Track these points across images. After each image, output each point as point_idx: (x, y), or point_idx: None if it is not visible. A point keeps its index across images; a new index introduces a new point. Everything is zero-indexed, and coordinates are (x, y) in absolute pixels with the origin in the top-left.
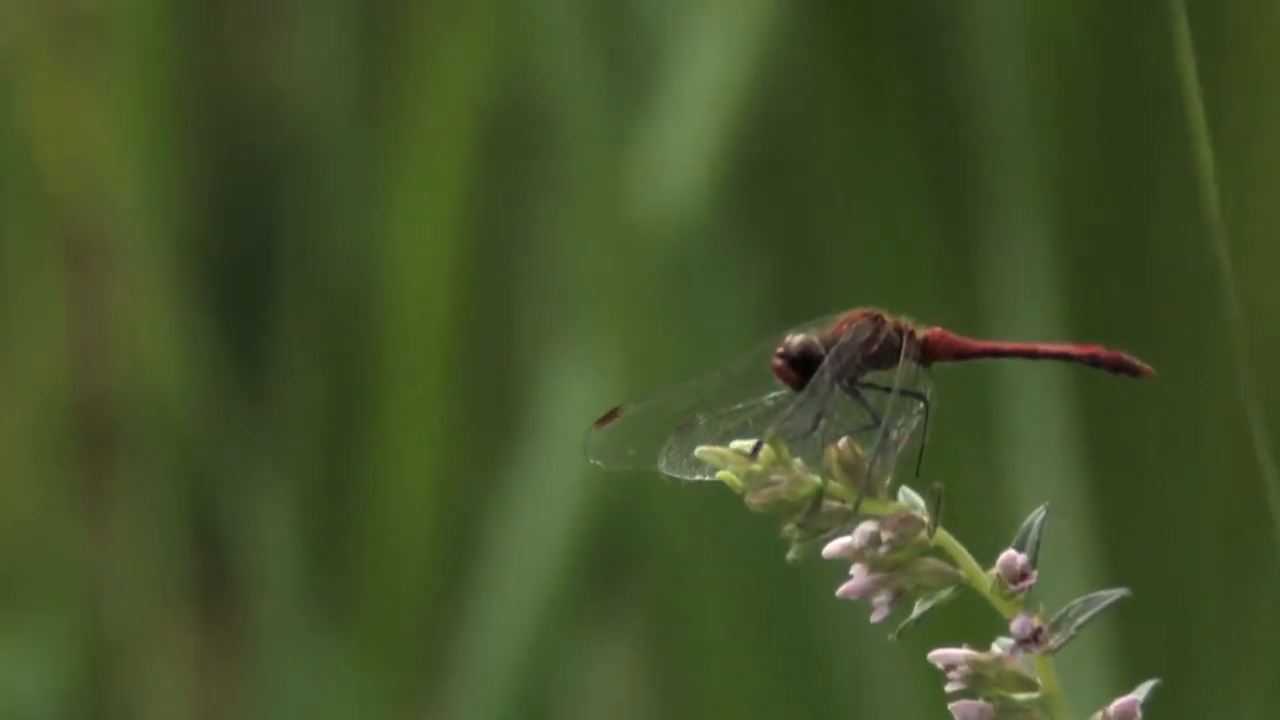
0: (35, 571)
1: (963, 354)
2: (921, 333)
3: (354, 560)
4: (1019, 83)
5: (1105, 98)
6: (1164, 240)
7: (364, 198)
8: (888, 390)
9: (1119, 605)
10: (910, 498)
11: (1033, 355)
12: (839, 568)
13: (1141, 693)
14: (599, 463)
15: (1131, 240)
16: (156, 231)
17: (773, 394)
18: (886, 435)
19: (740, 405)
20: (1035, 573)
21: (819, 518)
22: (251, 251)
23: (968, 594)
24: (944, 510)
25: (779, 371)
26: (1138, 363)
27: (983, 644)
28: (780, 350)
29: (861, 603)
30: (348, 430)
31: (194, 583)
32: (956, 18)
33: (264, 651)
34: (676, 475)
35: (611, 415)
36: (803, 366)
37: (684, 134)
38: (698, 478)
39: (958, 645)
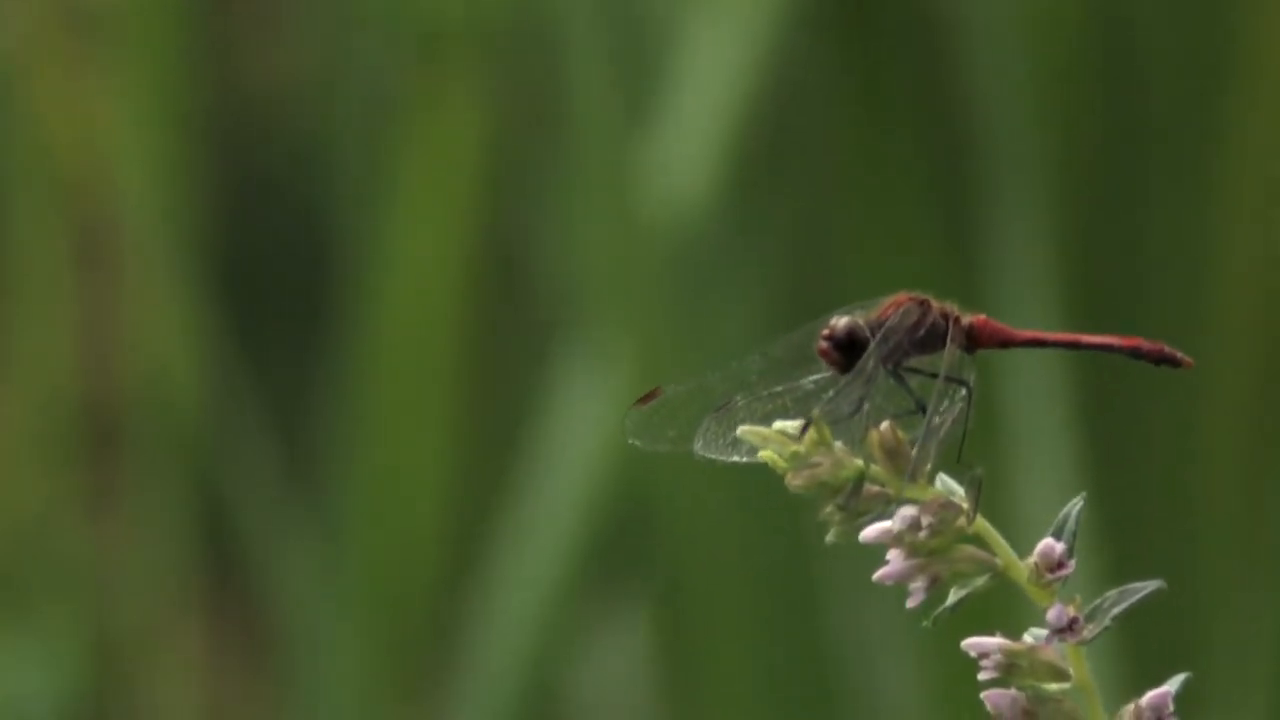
0: (42, 570)
1: (1007, 342)
2: (967, 319)
3: (362, 557)
4: (1021, 77)
5: (1106, 90)
6: (1165, 230)
7: (372, 196)
8: (932, 376)
9: (1153, 597)
10: (948, 484)
11: (1075, 346)
12: (846, 559)
13: (1174, 685)
14: (637, 442)
15: (1133, 231)
16: (165, 230)
17: (812, 377)
18: (930, 421)
19: (780, 388)
20: (1073, 562)
21: (859, 501)
22: (260, 250)
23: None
24: (982, 497)
25: (824, 354)
26: (1179, 354)
27: (995, 634)
28: (826, 333)
29: (870, 595)
30: (356, 427)
31: (201, 581)
32: (958, 12)
33: (272, 650)
34: (713, 456)
35: (651, 395)
36: (848, 349)
37: (691, 130)
38: (734, 459)
39: (990, 634)
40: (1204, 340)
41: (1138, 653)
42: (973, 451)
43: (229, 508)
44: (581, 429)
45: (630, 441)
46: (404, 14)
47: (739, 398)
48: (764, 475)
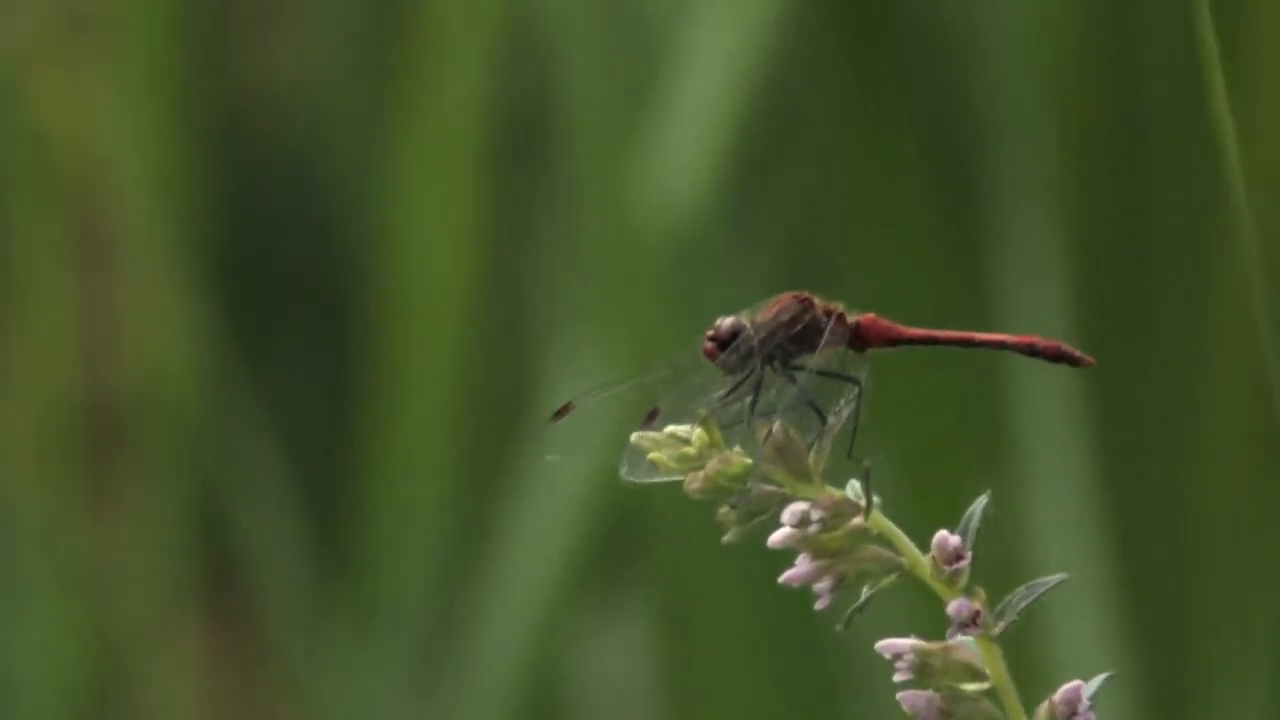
0: (43, 568)
1: (895, 340)
2: (853, 317)
3: (362, 555)
4: (1024, 71)
5: (1111, 86)
6: (1173, 230)
7: (373, 192)
8: (825, 375)
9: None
10: (855, 488)
11: (969, 344)
12: None
13: (1093, 683)
14: (555, 458)
15: (1140, 231)
16: (166, 230)
17: (720, 388)
18: (821, 419)
19: (693, 401)
20: (970, 555)
21: (751, 500)
22: (260, 250)
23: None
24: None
25: (709, 354)
26: (1077, 352)
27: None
28: (710, 333)
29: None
30: (357, 425)
31: (202, 580)
32: (961, 10)
33: (272, 648)
34: (637, 480)
35: (564, 410)
36: (726, 345)
37: (690, 128)
38: (658, 479)
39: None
40: (1211, 340)
41: (1145, 659)
42: (983, 467)
43: (229, 508)
44: (583, 426)
45: (548, 458)
46: (403, 13)
47: (660, 408)
48: None
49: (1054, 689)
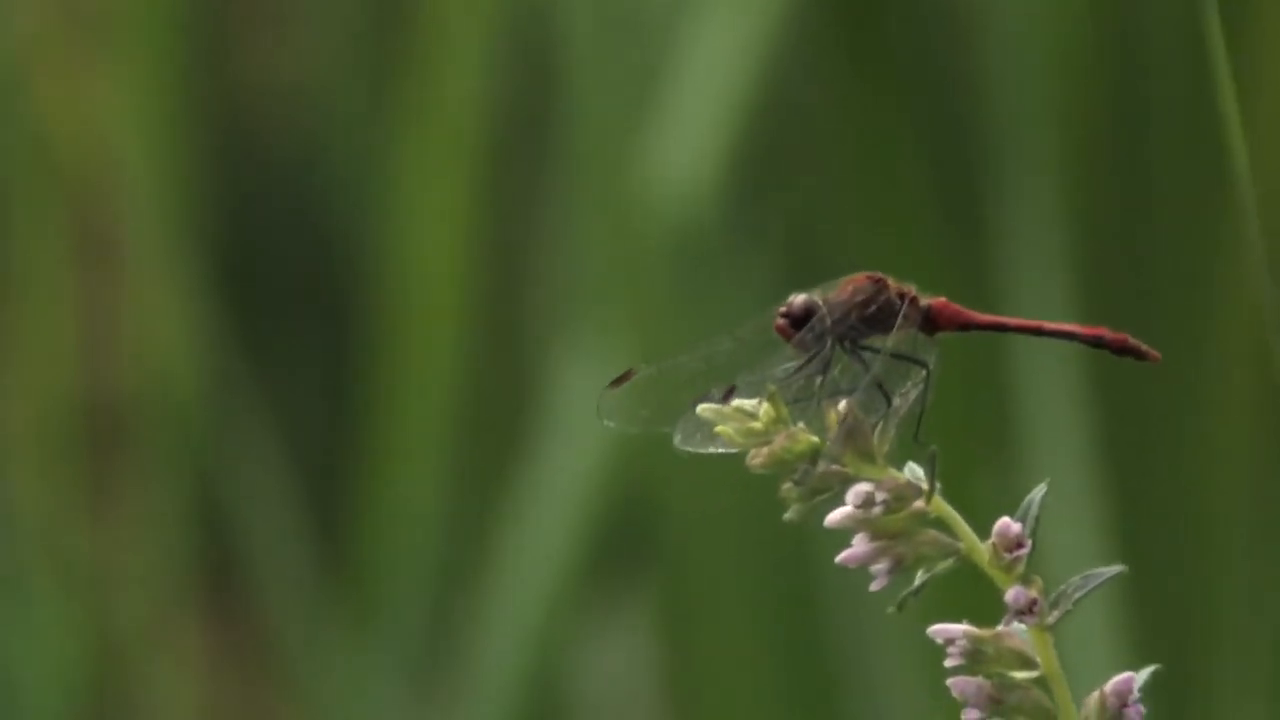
0: (44, 568)
1: (966, 325)
2: (925, 300)
3: (362, 555)
4: (1026, 72)
5: (1114, 84)
6: (1177, 224)
7: (375, 191)
8: (893, 356)
9: (1116, 581)
10: (914, 470)
11: (1038, 332)
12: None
13: (1142, 675)
14: (611, 423)
15: (1144, 224)
16: (167, 229)
17: (784, 360)
18: (886, 400)
19: (751, 373)
20: (1031, 543)
21: (815, 478)
22: (261, 249)
23: (983, 575)
24: (940, 478)
25: (781, 330)
26: (1144, 346)
27: (993, 624)
28: (783, 309)
29: (867, 587)
30: (357, 424)
31: (202, 579)
32: (964, 8)
33: (272, 648)
34: (691, 449)
35: (624, 378)
36: (804, 325)
37: (693, 125)
38: (712, 449)
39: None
40: (1213, 336)
41: (1151, 643)
42: (990, 456)
43: (229, 508)
44: (583, 422)
45: (604, 422)
46: (403, 13)
47: (715, 390)
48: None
49: (1101, 680)
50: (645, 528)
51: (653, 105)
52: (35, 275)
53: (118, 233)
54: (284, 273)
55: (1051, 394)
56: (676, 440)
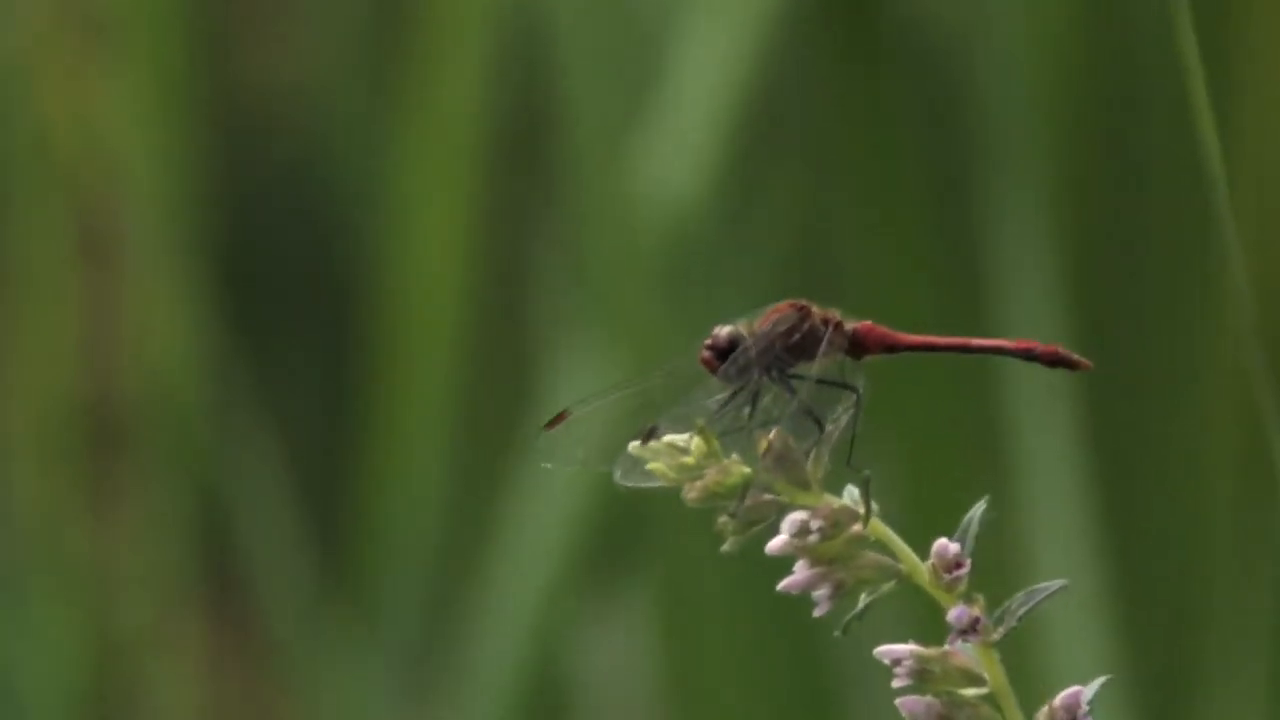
0: (45, 568)
1: (893, 347)
2: (850, 325)
3: (362, 555)
4: (1020, 72)
5: (1105, 90)
6: (1167, 237)
7: (375, 191)
8: (821, 383)
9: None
10: (853, 494)
11: (966, 349)
12: None
13: (1091, 687)
14: (549, 465)
15: (1135, 236)
16: (168, 229)
17: (717, 395)
18: (819, 427)
19: (684, 407)
20: (969, 562)
21: (749, 509)
22: (262, 249)
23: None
24: (873, 501)
25: (706, 362)
26: (1074, 356)
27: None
28: (708, 342)
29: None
30: (357, 425)
31: (203, 580)
32: (957, 15)
33: (272, 648)
34: (631, 484)
35: (559, 418)
36: (728, 357)
37: (687, 125)
38: (652, 484)
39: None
40: (1204, 346)
41: (1138, 664)
42: (980, 474)
43: (229, 508)
44: (577, 431)
45: (542, 465)
46: (403, 13)
47: (659, 424)
48: None
49: (1051, 694)
50: (642, 523)
51: (649, 108)
52: (36, 275)
53: (118, 233)
54: (284, 273)
55: (1040, 413)
56: (616, 476)
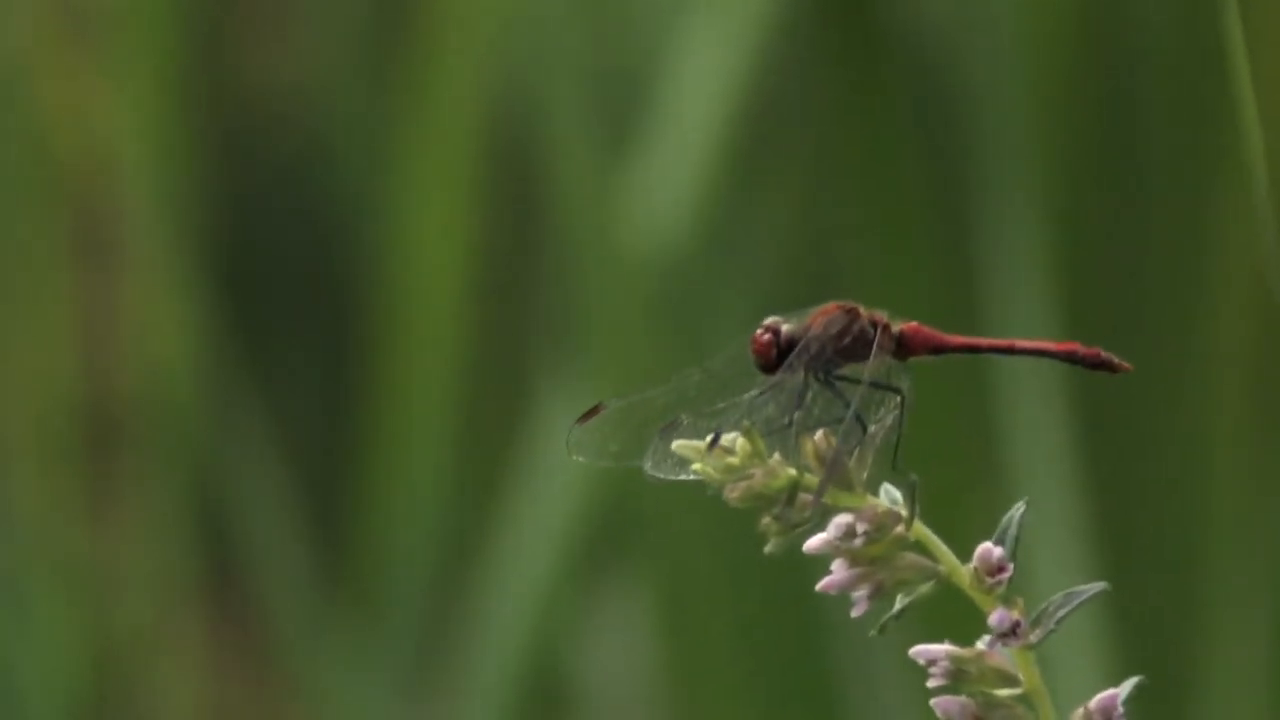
0: (45, 568)
1: (939, 348)
2: (897, 326)
3: (362, 553)
4: (1016, 77)
5: (1104, 90)
6: (1165, 233)
7: (375, 191)
8: (868, 384)
9: (1104, 597)
10: (891, 494)
11: (1010, 351)
12: None
13: (1124, 689)
14: (580, 458)
15: (1132, 233)
16: (167, 229)
17: (753, 391)
18: (862, 428)
19: (722, 403)
20: (1012, 566)
21: (794, 511)
22: (261, 249)
23: (961, 592)
24: (919, 504)
25: (763, 352)
26: (1116, 359)
27: (977, 633)
28: (763, 335)
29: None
30: (356, 424)
31: (203, 580)
32: (953, 16)
33: (272, 648)
34: (662, 475)
35: (593, 412)
36: (784, 351)
37: (679, 145)
38: (683, 477)
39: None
40: (1202, 345)
41: (1137, 653)
42: (975, 475)
43: (229, 508)
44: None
45: (573, 457)
46: (404, 14)
47: (685, 416)
48: None
49: (1085, 697)
50: (642, 522)
51: (643, 120)
52: (35, 275)
53: (117, 232)
54: (284, 273)
55: (1035, 413)
56: (647, 467)
